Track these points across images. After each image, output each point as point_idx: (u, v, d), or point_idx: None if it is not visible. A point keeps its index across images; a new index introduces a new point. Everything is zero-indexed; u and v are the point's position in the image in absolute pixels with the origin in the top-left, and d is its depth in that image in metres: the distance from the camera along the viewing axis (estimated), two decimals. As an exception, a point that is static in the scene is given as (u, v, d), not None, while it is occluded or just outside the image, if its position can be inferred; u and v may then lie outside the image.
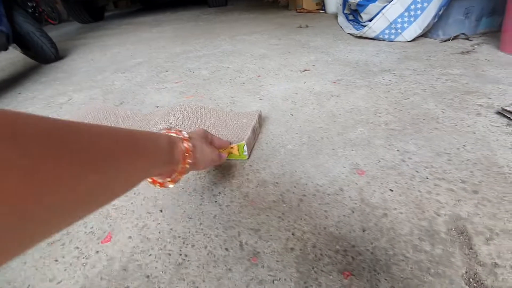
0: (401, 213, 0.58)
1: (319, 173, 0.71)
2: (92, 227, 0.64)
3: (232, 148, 0.77)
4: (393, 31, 1.59)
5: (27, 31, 1.87)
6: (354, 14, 2.15)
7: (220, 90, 1.27)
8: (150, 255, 0.56)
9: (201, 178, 0.75)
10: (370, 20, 1.81)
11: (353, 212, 0.60)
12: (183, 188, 0.71)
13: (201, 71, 1.55)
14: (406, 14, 1.53)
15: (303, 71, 1.36)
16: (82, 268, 0.55)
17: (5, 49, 1.77)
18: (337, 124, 0.90)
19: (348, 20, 2.16)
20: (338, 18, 2.25)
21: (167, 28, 2.96)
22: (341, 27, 2.09)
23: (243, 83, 1.31)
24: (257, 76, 1.37)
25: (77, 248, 0.59)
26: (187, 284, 0.50)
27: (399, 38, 1.59)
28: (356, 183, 0.66)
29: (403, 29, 1.56)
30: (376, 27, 1.63)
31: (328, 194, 0.64)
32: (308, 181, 0.69)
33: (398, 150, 0.75)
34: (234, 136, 0.81)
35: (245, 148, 0.76)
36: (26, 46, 1.98)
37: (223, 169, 0.76)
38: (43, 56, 2.01)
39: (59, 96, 1.43)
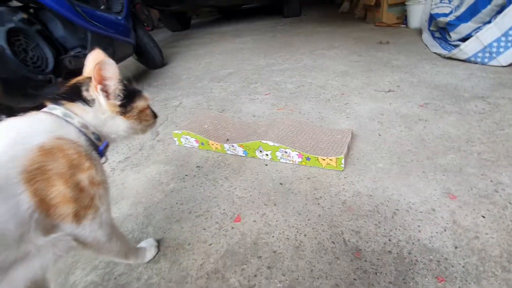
0: (492, 238, 0.66)
1: (410, 192, 0.81)
2: (224, 209, 0.85)
3: (331, 160, 0.92)
4: (487, 54, 1.55)
5: (145, 42, 2.31)
6: (441, 32, 2.10)
7: (307, 105, 1.42)
8: (273, 236, 0.74)
9: (302, 182, 0.91)
10: (461, 40, 1.77)
11: (445, 230, 0.69)
12: (289, 189, 0.89)
13: (287, 84, 1.73)
14: (503, 38, 1.47)
15: (388, 91, 1.43)
16: (223, 237, 0.76)
17: (129, 56, 2.21)
18: (426, 148, 0.97)
19: (434, 37, 2.12)
20: (423, 35, 2.22)
21: (248, 39, 3.25)
22: (425, 45, 2.07)
23: (328, 100, 1.45)
24: (341, 94, 1.49)
25: (217, 223, 0.81)
26: (306, 262, 0.66)
27: (493, 62, 1.54)
28: (448, 206, 0.75)
29: (498, 53, 1.51)
30: (468, 49, 1.60)
31: (421, 212, 0.74)
32: (400, 198, 0.80)
33: (491, 181, 0.80)
34: (331, 150, 0.96)
35: (343, 161, 0.91)
36: (141, 54, 2.42)
37: (322, 177, 0.92)
38: (153, 63, 2.44)
39: (172, 100, 1.76)
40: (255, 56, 2.46)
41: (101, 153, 0.57)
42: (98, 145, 0.56)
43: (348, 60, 2.01)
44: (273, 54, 2.46)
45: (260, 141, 1.01)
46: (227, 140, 1.12)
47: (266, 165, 1.02)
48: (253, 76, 1.97)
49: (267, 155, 1.03)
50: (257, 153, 1.04)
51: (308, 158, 0.95)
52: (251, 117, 1.39)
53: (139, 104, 0.60)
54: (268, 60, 2.29)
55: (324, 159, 0.93)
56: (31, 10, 1.25)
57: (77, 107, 0.53)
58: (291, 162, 0.99)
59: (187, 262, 0.71)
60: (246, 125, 1.22)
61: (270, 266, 0.67)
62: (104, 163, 0.59)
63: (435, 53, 1.85)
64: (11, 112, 1.02)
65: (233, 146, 1.08)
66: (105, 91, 0.54)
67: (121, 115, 0.57)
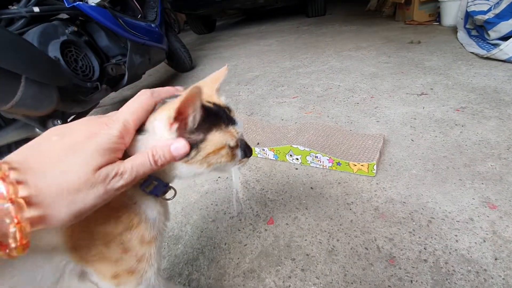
0: (538, 251, 0.63)
1: (446, 200, 0.80)
2: (257, 211, 0.89)
3: (362, 165, 0.92)
4: (532, 54, 1.46)
5: (176, 47, 2.41)
6: (478, 30, 1.99)
7: (335, 109, 1.43)
8: (305, 240, 0.76)
9: (333, 187, 0.92)
10: (500, 39, 1.68)
11: (484, 241, 0.68)
12: (320, 194, 0.91)
13: (314, 87, 1.74)
14: (552, 36, 1.38)
15: (420, 94, 1.40)
16: (257, 239, 0.79)
17: (162, 61, 2.32)
18: (463, 155, 0.95)
19: (471, 36, 2.02)
20: (458, 33, 2.12)
21: (272, 40, 3.27)
22: (461, 44, 1.98)
23: (357, 103, 1.44)
24: (371, 97, 1.47)
25: (251, 224, 0.85)
26: (339, 267, 0.68)
27: (539, 62, 1.44)
28: (487, 216, 0.73)
29: (546, 52, 1.41)
30: (508, 49, 1.51)
31: (458, 221, 0.73)
32: (435, 206, 0.79)
33: (535, 191, 0.77)
34: (362, 155, 0.96)
35: (375, 167, 0.91)
36: (172, 58, 2.53)
37: (353, 182, 0.92)
38: (182, 67, 2.55)
39: (202, 103, 1.83)
40: (281, 58, 2.48)
41: (157, 194, 0.42)
42: (145, 190, 0.41)
43: (377, 61, 1.98)
44: (298, 56, 2.46)
45: (291, 146, 1.03)
46: (258, 143, 1.16)
47: (296, 169, 1.04)
48: (279, 79, 1.99)
49: (297, 159, 1.05)
50: (288, 157, 1.07)
51: (339, 163, 0.97)
52: (280, 121, 1.41)
53: (210, 142, 0.39)
54: (294, 62, 2.30)
55: (355, 165, 0.94)
56: (78, 22, 1.37)
57: None
58: (321, 166, 1.01)
59: (224, 260, 0.75)
60: (276, 129, 1.25)
61: (303, 269, 0.69)
62: (171, 199, 0.46)
63: (472, 52, 1.76)
64: (63, 117, 1.13)
65: (264, 150, 1.11)
66: (181, 127, 0.37)
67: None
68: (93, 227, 0.36)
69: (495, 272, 0.61)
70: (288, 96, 1.68)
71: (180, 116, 0.36)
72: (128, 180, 0.33)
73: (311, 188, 0.94)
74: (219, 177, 1.08)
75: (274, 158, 1.11)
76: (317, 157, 0.99)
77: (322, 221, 0.81)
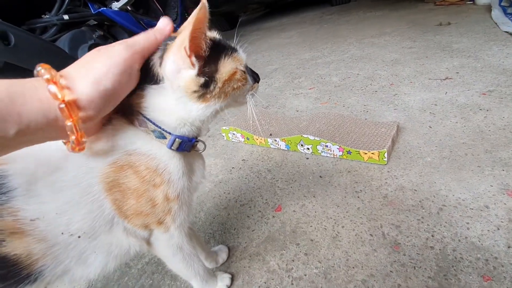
0: (559, 240, 0.59)
1: (461, 187, 0.77)
2: (266, 199, 0.92)
3: (373, 153, 0.91)
4: None
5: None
6: (517, 6, 1.81)
7: (352, 98, 1.40)
8: (311, 226, 0.78)
9: (342, 176, 0.92)
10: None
11: (498, 229, 0.64)
12: (329, 182, 0.91)
13: (332, 77, 1.71)
14: None
15: (444, 79, 1.32)
16: (265, 225, 0.83)
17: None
18: (485, 141, 0.89)
19: (506, 14, 1.84)
20: (493, 12, 1.94)
21: (293, 33, 3.23)
22: (495, 23, 1.81)
23: (375, 91, 1.39)
24: (390, 84, 1.42)
25: (260, 211, 0.88)
26: (342, 252, 0.69)
27: None
28: (505, 203, 0.69)
29: None
30: (551, 24, 1.37)
31: (471, 209, 0.70)
32: (448, 193, 0.76)
33: None
34: (374, 143, 0.95)
35: (386, 155, 0.89)
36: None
37: (363, 171, 0.92)
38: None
39: (220, 97, 1.89)
40: (300, 50, 2.45)
41: (187, 150, 0.47)
42: (163, 143, 0.44)
43: (400, 47, 1.88)
44: (318, 46, 2.42)
45: (301, 135, 1.04)
46: (270, 134, 1.18)
47: (307, 158, 1.05)
48: (297, 71, 1.98)
49: (308, 149, 1.06)
50: (299, 147, 1.08)
51: (349, 152, 0.96)
52: (295, 112, 1.42)
53: (223, 70, 0.42)
54: (314, 53, 2.26)
55: (365, 153, 0.93)
56: (105, 27, 1.48)
57: (138, 96, 0.42)
58: (332, 155, 1.01)
59: (233, 244, 0.79)
60: (289, 120, 1.26)
61: (307, 253, 0.71)
62: (202, 151, 0.53)
63: (506, 32, 1.61)
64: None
65: (276, 140, 1.13)
66: (198, 54, 0.39)
67: (197, 99, 0.42)
68: (125, 187, 0.43)
69: (506, 260, 0.58)
70: (305, 88, 1.67)
71: (193, 42, 0.37)
72: (139, 49, 0.39)
73: (320, 177, 0.95)
74: (233, 167, 1.12)
75: (286, 148, 1.12)
76: (327, 146, 1.00)
77: (328, 208, 0.82)
